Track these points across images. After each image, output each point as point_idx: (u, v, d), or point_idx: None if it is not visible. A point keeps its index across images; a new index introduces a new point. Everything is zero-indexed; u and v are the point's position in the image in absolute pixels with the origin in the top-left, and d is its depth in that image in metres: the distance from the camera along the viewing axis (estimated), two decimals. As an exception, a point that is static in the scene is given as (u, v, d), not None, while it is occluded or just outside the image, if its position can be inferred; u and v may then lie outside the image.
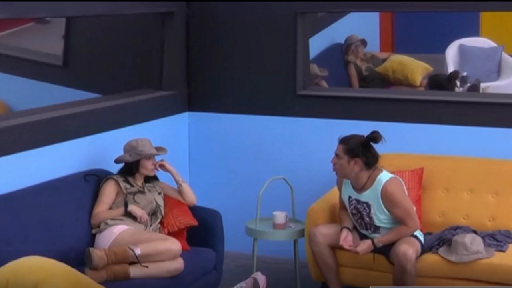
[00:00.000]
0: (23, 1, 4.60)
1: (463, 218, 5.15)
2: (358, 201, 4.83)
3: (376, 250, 4.79)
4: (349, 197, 4.88)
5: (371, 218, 4.80)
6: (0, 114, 5.95)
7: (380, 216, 4.78)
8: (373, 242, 4.76)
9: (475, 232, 4.91)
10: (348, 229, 4.85)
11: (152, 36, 6.04)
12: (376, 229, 4.82)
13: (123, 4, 5.47)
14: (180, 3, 6.01)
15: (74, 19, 6.49)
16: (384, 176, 4.77)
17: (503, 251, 4.79)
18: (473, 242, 4.68)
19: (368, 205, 4.79)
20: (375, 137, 4.74)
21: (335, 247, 4.88)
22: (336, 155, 4.78)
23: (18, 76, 6.92)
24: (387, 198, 4.72)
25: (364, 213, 4.82)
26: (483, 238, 4.82)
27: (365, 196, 4.79)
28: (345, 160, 4.75)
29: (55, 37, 6.85)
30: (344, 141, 4.78)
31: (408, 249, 4.62)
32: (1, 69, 6.96)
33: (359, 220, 4.87)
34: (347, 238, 4.80)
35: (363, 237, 4.88)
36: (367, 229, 4.86)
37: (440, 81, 7.32)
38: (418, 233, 4.83)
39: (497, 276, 4.61)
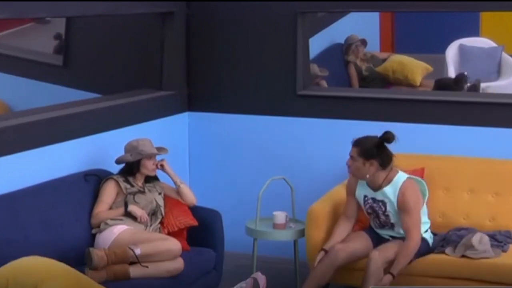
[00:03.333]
0: (23, 1, 4.60)
1: (463, 218, 5.15)
2: (374, 199, 4.83)
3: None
4: (365, 196, 4.88)
5: (387, 216, 4.81)
6: (0, 114, 5.94)
7: (395, 213, 4.78)
8: (392, 274, 4.67)
9: (477, 233, 4.91)
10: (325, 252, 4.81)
11: (152, 36, 6.04)
12: (393, 226, 4.83)
13: (123, 4, 5.47)
14: (180, 3, 6.01)
15: (74, 19, 6.49)
16: (401, 177, 4.78)
17: (505, 251, 4.80)
18: (481, 241, 4.71)
19: (384, 203, 4.79)
20: (388, 137, 4.74)
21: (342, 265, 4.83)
22: (351, 157, 4.78)
23: (18, 76, 6.92)
24: (402, 203, 4.73)
25: (380, 212, 4.82)
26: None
27: (381, 194, 4.80)
28: (360, 162, 4.75)
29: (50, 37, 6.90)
30: (358, 143, 4.77)
31: (376, 254, 4.62)
32: (1, 69, 6.96)
33: (375, 219, 4.87)
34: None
35: (376, 235, 4.87)
36: (383, 227, 4.86)
37: (447, 84, 7.29)
38: (428, 235, 4.85)
39: (499, 276, 4.62)
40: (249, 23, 5.94)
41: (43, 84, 6.76)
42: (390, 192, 4.77)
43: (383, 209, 4.81)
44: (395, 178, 4.78)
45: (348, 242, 4.82)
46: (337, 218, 5.06)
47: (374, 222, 4.91)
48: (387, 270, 4.66)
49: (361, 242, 4.87)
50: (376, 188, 4.81)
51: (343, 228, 4.92)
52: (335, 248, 4.76)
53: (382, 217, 4.84)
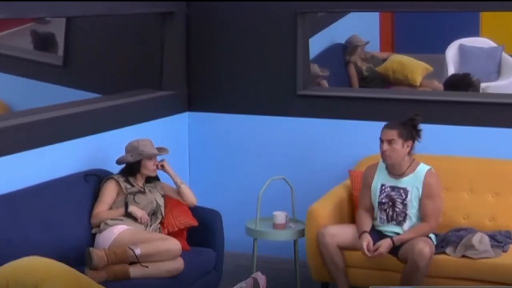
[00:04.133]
0: (23, 1, 4.60)
1: (463, 218, 5.15)
2: (393, 187, 4.84)
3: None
4: (382, 185, 4.88)
5: (405, 205, 4.81)
6: (0, 114, 5.94)
7: (415, 203, 4.80)
8: (392, 241, 4.74)
9: (477, 234, 4.91)
10: (368, 233, 4.82)
11: (152, 36, 6.04)
12: (403, 220, 4.82)
13: (123, 4, 5.47)
14: (180, 3, 6.01)
15: (74, 19, 6.49)
16: (424, 166, 4.85)
17: (505, 251, 4.80)
18: (482, 241, 4.72)
19: (406, 191, 4.81)
20: (415, 119, 4.82)
21: (343, 248, 4.88)
22: (389, 141, 4.77)
23: (18, 76, 6.92)
24: (428, 187, 4.77)
25: (398, 200, 4.82)
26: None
27: (404, 182, 4.83)
28: (400, 144, 4.78)
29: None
30: (394, 126, 4.80)
31: (425, 247, 4.62)
32: (1, 69, 6.96)
33: (388, 209, 4.85)
34: (369, 245, 4.75)
35: (378, 234, 4.85)
36: (391, 220, 4.84)
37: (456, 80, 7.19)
38: (432, 235, 4.86)
39: (499, 276, 4.63)
40: (249, 23, 5.94)
41: (43, 84, 6.76)
42: (415, 179, 4.80)
43: (403, 197, 4.81)
44: (419, 167, 4.84)
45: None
46: (337, 218, 5.07)
47: (384, 215, 4.87)
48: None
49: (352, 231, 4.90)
50: (399, 175, 4.83)
51: (367, 218, 4.90)
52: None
53: (399, 207, 4.82)
